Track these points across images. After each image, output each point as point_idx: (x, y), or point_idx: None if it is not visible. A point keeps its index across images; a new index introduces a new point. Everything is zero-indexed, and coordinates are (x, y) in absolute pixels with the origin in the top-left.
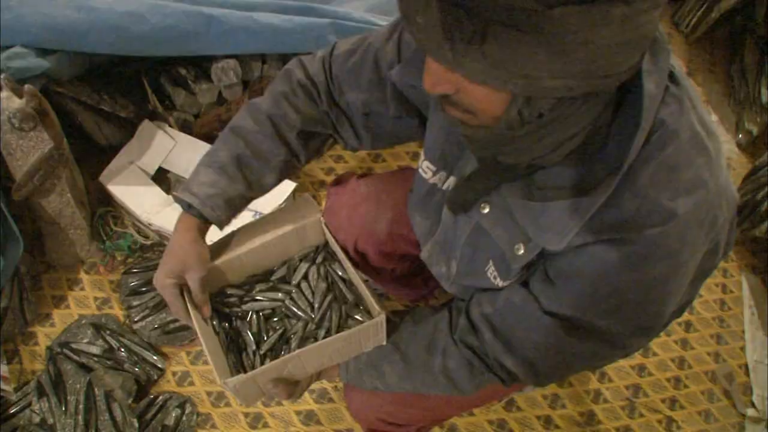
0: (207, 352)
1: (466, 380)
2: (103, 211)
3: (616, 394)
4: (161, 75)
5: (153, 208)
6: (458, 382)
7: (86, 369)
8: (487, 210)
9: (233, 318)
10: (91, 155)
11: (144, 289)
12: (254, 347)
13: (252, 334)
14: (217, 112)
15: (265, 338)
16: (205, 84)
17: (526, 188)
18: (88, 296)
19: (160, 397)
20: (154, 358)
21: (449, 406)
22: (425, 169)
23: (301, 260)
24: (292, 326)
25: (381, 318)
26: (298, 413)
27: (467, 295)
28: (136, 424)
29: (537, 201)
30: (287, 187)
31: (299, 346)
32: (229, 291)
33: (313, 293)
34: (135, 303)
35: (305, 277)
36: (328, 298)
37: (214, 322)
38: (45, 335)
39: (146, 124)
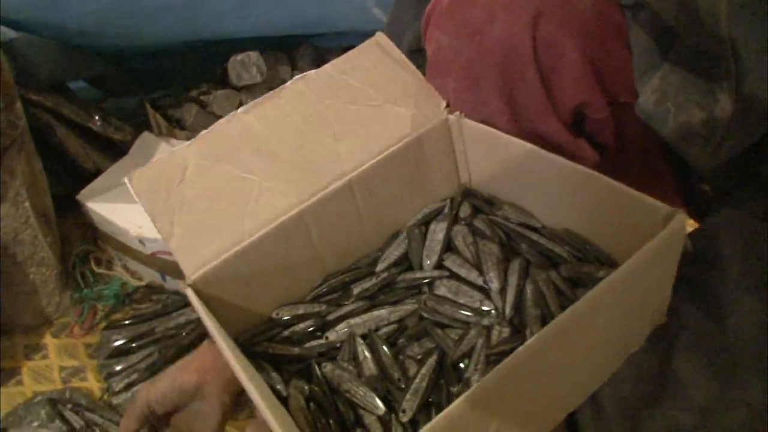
0: None
1: None
2: (82, 249)
3: None
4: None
5: (148, 226)
6: None
7: None
8: None
9: (313, 365)
10: (74, 181)
11: (133, 345)
12: (381, 409)
13: (369, 384)
14: None
15: (402, 384)
16: (221, 90)
17: None
18: (52, 366)
19: None
20: None
21: None
22: None
23: (426, 224)
24: (455, 344)
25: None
26: None
27: None
28: None
29: None
30: None
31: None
32: (287, 315)
33: (479, 270)
34: (118, 367)
35: (449, 248)
36: (516, 267)
37: (279, 386)
38: None
39: (146, 136)
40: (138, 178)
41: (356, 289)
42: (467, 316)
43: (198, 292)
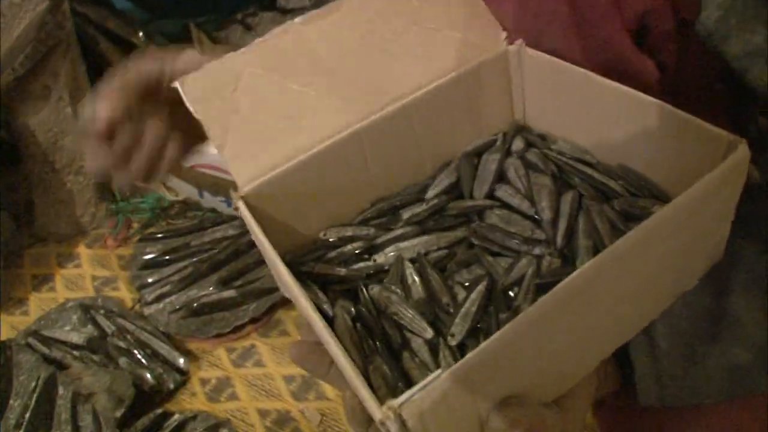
0: (341, 356)
1: None
2: None
3: None
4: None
5: None
6: None
7: (58, 365)
8: None
9: (360, 287)
10: None
11: (167, 258)
12: (429, 332)
13: (417, 307)
14: None
15: (450, 309)
16: (267, 12)
17: None
18: (84, 275)
19: (177, 416)
20: (173, 354)
21: None
22: None
23: (477, 155)
24: (505, 272)
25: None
26: None
27: None
28: None
29: None
30: None
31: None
32: (335, 236)
33: (531, 201)
34: (151, 279)
35: (500, 180)
36: (568, 199)
37: (325, 305)
38: (11, 326)
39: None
40: (190, 83)
41: (405, 214)
42: (518, 244)
43: (248, 206)
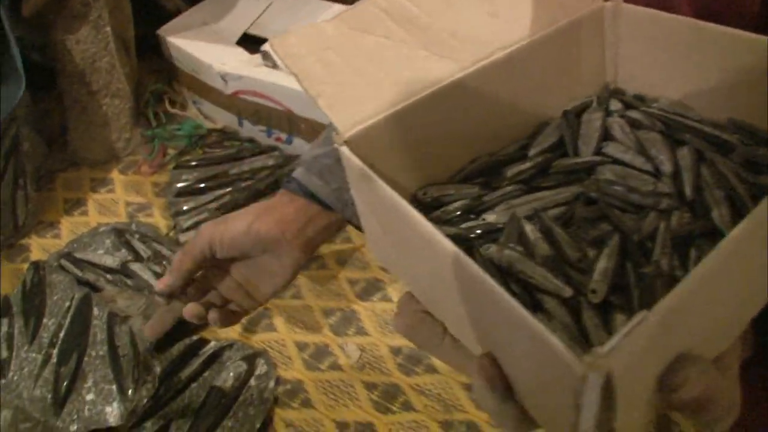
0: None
1: None
2: (157, 88)
3: None
4: None
5: (232, 63)
6: None
7: (90, 288)
8: None
9: (474, 246)
10: (153, 21)
11: (204, 185)
12: (568, 291)
13: (545, 265)
14: None
15: (582, 265)
16: None
17: None
18: (118, 200)
19: (213, 343)
20: None
21: None
22: None
23: (581, 113)
24: (635, 227)
25: None
26: None
27: None
28: (157, 370)
29: None
30: None
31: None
32: (436, 194)
33: (649, 157)
34: (186, 207)
35: (604, 138)
36: (686, 152)
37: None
38: (42, 249)
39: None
40: (278, 43)
41: (509, 172)
42: (641, 198)
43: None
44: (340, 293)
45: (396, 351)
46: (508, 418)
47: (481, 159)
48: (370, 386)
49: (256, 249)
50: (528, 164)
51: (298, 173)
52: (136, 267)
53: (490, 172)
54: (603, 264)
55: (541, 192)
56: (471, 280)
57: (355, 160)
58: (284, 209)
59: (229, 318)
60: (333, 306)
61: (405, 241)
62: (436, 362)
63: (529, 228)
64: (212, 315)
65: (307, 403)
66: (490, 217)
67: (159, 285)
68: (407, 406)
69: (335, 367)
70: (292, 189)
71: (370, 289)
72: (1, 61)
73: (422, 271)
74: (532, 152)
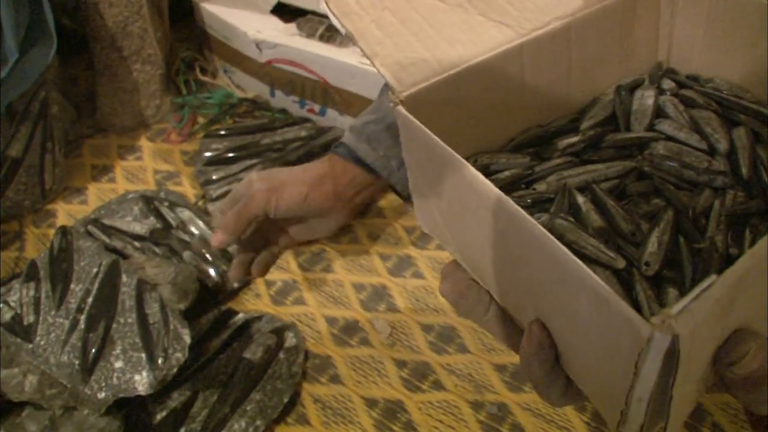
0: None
1: None
2: (188, 56)
3: None
4: None
5: (267, 31)
6: None
7: (118, 255)
8: None
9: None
10: None
11: (234, 154)
12: (621, 262)
13: (597, 236)
14: None
15: (635, 237)
16: None
17: None
18: (146, 168)
19: (242, 315)
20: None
21: None
22: None
23: (633, 90)
24: (689, 203)
25: None
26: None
27: None
28: (187, 340)
29: None
30: None
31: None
32: (487, 161)
33: (704, 135)
34: (216, 176)
35: (657, 115)
36: (742, 132)
37: None
38: (69, 214)
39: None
40: (335, 2)
41: (560, 144)
42: (695, 175)
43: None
44: (372, 269)
45: (427, 329)
46: (554, 387)
47: (532, 130)
48: (399, 363)
49: (309, 214)
50: (579, 137)
51: (348, 138)
52: (165, 235)
53: (540, 144)
54: (657, 237)
55: (593, 165)
56: (530, 239)
57: (411, 119)
58: (338, 180)
59: (268, 263)
60: (364, 281)
61: (457, 202)
62: (468, 342)
63: (581, 199)
64: (255, 268)
65: (335, 379)
66: (541, 187)
67: (214, 242)
68: (437, 385)
69: (365, 342)
70: (341, 154)
71: (402, 265)
72: (34, 23)
73: (473, 235)
74: (583, 125)
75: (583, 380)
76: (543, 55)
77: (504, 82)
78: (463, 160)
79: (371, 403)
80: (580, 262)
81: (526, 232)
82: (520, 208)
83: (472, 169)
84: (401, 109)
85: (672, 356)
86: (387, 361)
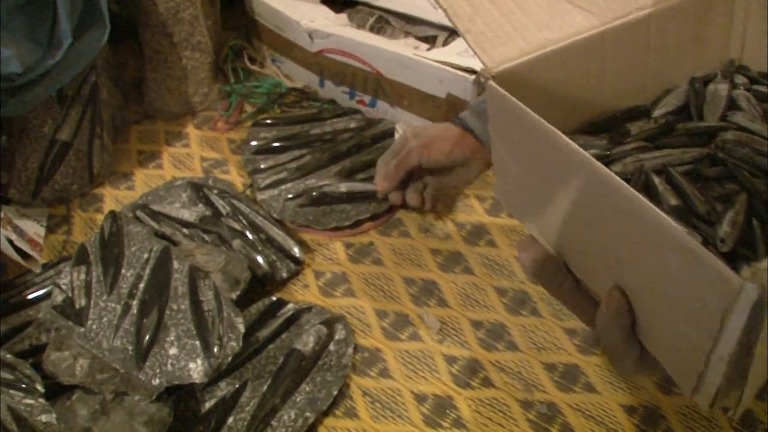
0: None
1: None
2: (236, 44)
3: None
4: None
5: (320, 21)
6: None
7: (167, 241)
8: None
9: None
10: None
11: (283, 144)
12: (696, 239)
13: (672, 215)
14: None
15: (711, 217)
16: None
17: None
18: (193, 155)
19: (291, 305)
20: (288, 241)
21: None
22: None
23: (706, 83)
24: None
25: None
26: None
27: None
28: (241, 328)
29: None
30: None
31: None
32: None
33: None
34: (264, 165)
35: (731, 107)
36: None
37: None
38: (116, 200)
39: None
40: None
41: (633, 129)
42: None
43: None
44: (421, 263)
45: (477, 325)
46: (629, 357)
47: (607, 115)
48: (449, 359)
49: (455, 164)
50: (652, 124)
51: (464, 114)
52: (215, 223)
53: (612, 128)
54: (731, 217)
55: (668, 149)
56: (623, 202)
57: (501, 92)
58: (470, 139)
59: (419, 200)
60: (414, 276)
61: (545, 171)
62: (518, 340)
63: (657, 180)
64: (410, 195)
65: (384, 373)
66: (616, 168)
67: (379, 188)
68: (487, 382)
69: (415, 337)
70: (456, 123)
71: (452, 260)
72: (87, 7)
73: (558, 205)
74: (656, 113)
75: (659, 347)
76: (623, 43)
77: (585, 66)
78: (557, 130)
79: (421, 398)
80: (673, 221)
81: (620, 195)
82: (613, 174)
83: (566, 138)
84: (492, 83)
85: (759, 310)
86: (437, 356)
